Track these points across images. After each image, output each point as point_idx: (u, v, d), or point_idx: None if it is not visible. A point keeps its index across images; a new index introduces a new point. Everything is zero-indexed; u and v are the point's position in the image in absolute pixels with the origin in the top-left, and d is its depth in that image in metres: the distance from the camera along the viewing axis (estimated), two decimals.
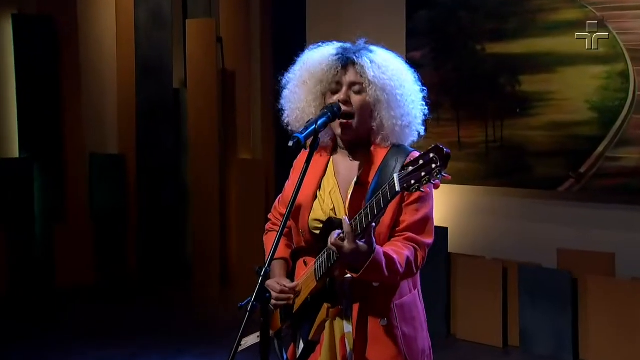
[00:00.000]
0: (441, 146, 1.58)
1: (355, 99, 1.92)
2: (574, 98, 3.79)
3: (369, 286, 1.86)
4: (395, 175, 1.65)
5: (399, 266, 1.81)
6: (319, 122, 1.86)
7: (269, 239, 2.17)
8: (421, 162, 1.61)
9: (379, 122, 1.93)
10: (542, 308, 3.80)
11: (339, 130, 1.94)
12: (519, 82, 3.98)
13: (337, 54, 1.94)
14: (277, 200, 2.24)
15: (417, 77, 2.01)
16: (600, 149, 3.72)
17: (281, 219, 2.11)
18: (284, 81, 2.07)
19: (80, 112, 5.29)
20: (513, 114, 4.01)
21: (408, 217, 1.90)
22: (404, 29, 4.46)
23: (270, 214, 2.27)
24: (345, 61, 1.92)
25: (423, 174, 1.60)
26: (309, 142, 1.90)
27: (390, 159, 1.92)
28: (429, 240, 1.91)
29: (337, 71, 1.92)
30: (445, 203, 4.28)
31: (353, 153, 2.00)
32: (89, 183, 5.37)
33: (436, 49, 4.36)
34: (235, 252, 5.37)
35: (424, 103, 1.99)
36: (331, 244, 1.74)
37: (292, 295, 1.97)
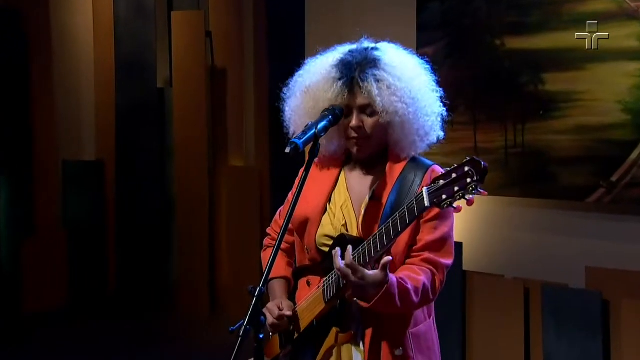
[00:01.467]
0: (478, 159, 1.61)
1: (369, 123, 1.95)
2: (604, 98, 3.77)
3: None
4: (425, 189, 1.67)
5: (413, 297, 1.83)
6: (319, 127, 1.87)
7: (268, 256, 2.16)
8: (454, 175, 1.63)
9: (395, 137, 1.95)
10: (569, 333, 3.77)
11: (355, 149, 1.97)
12: (542, 80, 3.96)
13: (340, 77, 1.94)
14: (277, 213, 2.24)
15: (431, 73, 2.02)
16: (634, 155, 3.70)
17: None
18: (284, 104, 2.09)
19: (53, 115, 5.28)
20: (536, 117, 3.99)
21: (426, 236, 1.92)
22: (414, 22, 4.45)
23: (269, 228, 2.27)
24: (351, 84, 1.93)
25: (456, 188, 1.62)
26: (308, 148, 1.91)
27: (408, 172, 1.94)
28: (448, 261, 1.92)
29: (345, 96, 1.93)
30: (459, 215, 4.23)
31: (367, 166, 2.02)
32: (62, 193, 5.36)
33: (450, 44, 4.35)
34: (226, 271, 5.36)
35: (441, 104, 2.00)
36: (337, 269, 1.74)
37: (290, 321, 1.97)
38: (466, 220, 4.33)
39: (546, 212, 4.10)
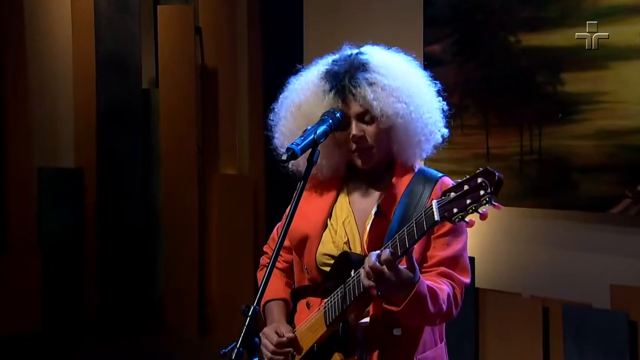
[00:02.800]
0: (491, 169, 1.61)
1: (369, 131, 1.95)
2: (630, 100, 3.76)
3: (389, 335, 1.88)
4: (434, 202, 1.67)
5: (441, 302, 1.84)
6: (318, 132, 1.87)
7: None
8: (466, 187, 1.63)
9: (400, 143, 1.95)
10: (593, 357, 3.77)
11: (358, 162, 1.97)
12: (561, 80, 3.96)
13: (330, 88, 1.95)
14: (274, 230, 2.25)
15: (421, 68, 2.03)
16: None
17: (281, 251, 2.11)
18: (272, 129, 2.10)
19: (28, 118, 5.27)
20: (554, 120, 3.98)
21: (438, 252, 1.92)
22: (420, 17, 4.45)
23: (266, 246, 2.27)
24: (343, 92, 1.94)
25: (468, 201, 1.62)
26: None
27: (416, 185, 1.95)
28: (466, 279, 1.93)
29: (339, 107, 1.94)
30: (471, 228, 4.26)
31: (371, 179, 2.02)
32: (38, 204, 5.34)
33: (460, 41, 4.35)
34: (217, 289, 5.36)
35: (440, 99, 2.02)
36: (370, 267, 1.74)
37: (291, 349, 1.97)
38: (479, 234, 4.33)
39: (566, 224, 4.09)
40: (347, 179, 2.08)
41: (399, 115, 1.93)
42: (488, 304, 4.10)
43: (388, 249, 1.74)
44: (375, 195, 2.01)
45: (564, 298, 3.91)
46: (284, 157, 1.82)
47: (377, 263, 1.73)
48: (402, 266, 1.76)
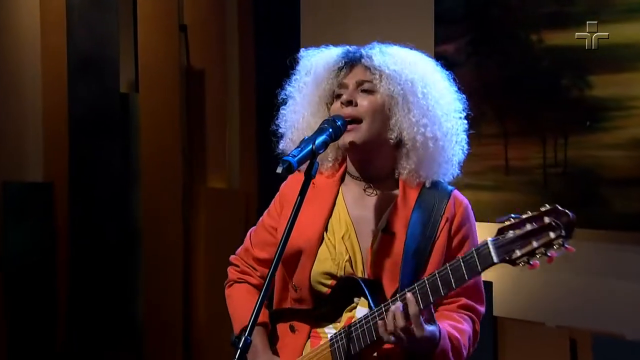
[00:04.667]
0: (563, 209, 1.66)
1: (365, 100, 1.95)
2: None
3: None
4: (490, 242, 1.69)
5: (463, 348, 1.87)
6: (316, 142, 1.87)
7: (238, 295, 2.18)
8: (529, 227, 1.66)
9: (397, 131, 1.95)
10: None
11: (346, 140, 1.97)
12: (589, 84, 3.95)
13: (344, 54, 1.99)
14: (247, 237, 2.24)
15: (454, 85, 2.04)
16: None
17: (255, 265, 2.12)
18: (281, 97, 2.14)
19: None
20: (581, 128, 3.97)
21: None
22: (431, 14, 4.46)
23: (234, 257, 2.26)
24: (352, 58, 1.97)
25: (535, 244, 1.66)
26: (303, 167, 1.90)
27: (427, 197, 1.96)
28: (483, 308, 1.98)
29: (342, 71, 1.96)
30: None
31: (371, 185, 2.02)
32: (2, 222, 5.33)
33: (475, 40, 4.35)
34: (203, 314, 5.34)
35: (465, 122, 2.03)
36: (398, 327, 1.74)
37: None
38: None
39: (596, 245, 4.07)
40: (342, 183, 2.08)
41: (403, 87, 1.96)
42: (508, 335, 4.09)
43: (414, 298, 1.75)
44: (377, 205, 2.01)
45: (594, 328, 3.90)
46: (279, 170, 1.83)
47: (404, 319, 1.75)
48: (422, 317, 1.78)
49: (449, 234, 2.01)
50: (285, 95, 2.20)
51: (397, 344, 1.81)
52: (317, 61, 2.10)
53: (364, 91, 2.00)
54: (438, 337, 1.79)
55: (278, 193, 2.23)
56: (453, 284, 1.75)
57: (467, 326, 1.90)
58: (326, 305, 1.95)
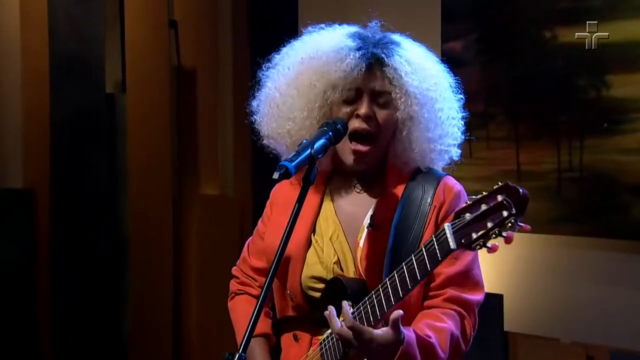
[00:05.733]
0: (512, 185, 1.62)
1: (381, 115, 1.95)
2: None
3: None
4: (448, 227, 1.68)
5: (439, 353, 1.84)
6: (315, 146, 1.87)
7: (239, 307, 2.20)
8: (484, 207, 1.64)
9: (405, 144, 1.95)
10: None
11: (350, 159, 1.96)
12: (606, 84, 3.95)
13: (359, 48, 1.97)
14: (245, 248, 2.25)
15: (452, 77, 2.05)
16: None
17: (253, 275, 2.13)
18: (264, 72, 2.13)
19: None
20: (598, 131, 3.96)
21: (445, 268, 1.95)
22: (437, 10, 4.45)
23: (235, 268, 2.28)
24: (369, 60, 1.96)
25: (490, 224, 1.63)
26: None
27: (415, 187, 1.96)
28: (478, 296, 1.96)
29: (360, 73, 1.95)
30: (498, 259, 4.23)
31: (359, 181, 2.02)
32: None
33: (484, 37, 4.35)
34: (195, 329, 5.33)
35: (462, 114, 2.04)
36: (336, 334, 1.75)
37: None
38: (507, 267, 4.30)
39: (614, 255, 4.06)
40: (329, 182, 2.08)
41: (425, 106, 1.96)
42: (520, 352, 4.08)
43: (348, 307, 1.76)
44: (367, 201, 2.02)
45: (611, 344, 3.89)
46: (276, 176, 1.83)
47: (344, 328, 1.75)
48: (382, 330, 1.77)
49: (436, 223, 2.00)
50: (274, 71, 2.19)
51: (359, 355, 1.81)
52: (328, 53, 2.04)
53: (380, 104, 1.99)
54: (399, 343, 1.77)
55: (269, 202, 2.24)
56: (418, 275, 1.74)
57: (449, 324, 1.88)
58: (320, 309, 1.96)
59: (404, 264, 1.78)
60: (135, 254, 5.42)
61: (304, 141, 1.92)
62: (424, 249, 1.74)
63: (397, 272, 1.78)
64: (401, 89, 1.96)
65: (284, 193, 2.17)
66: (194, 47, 5.43)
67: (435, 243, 1.72)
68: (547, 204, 4.13)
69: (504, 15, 4.29)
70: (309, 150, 1.89)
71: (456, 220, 1.68)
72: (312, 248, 2.03)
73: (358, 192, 2.05)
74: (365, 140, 1.98)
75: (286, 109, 2.10)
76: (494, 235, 1.63)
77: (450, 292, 1.94)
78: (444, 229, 1.70)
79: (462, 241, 1.67)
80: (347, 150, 2.00)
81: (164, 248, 5.32)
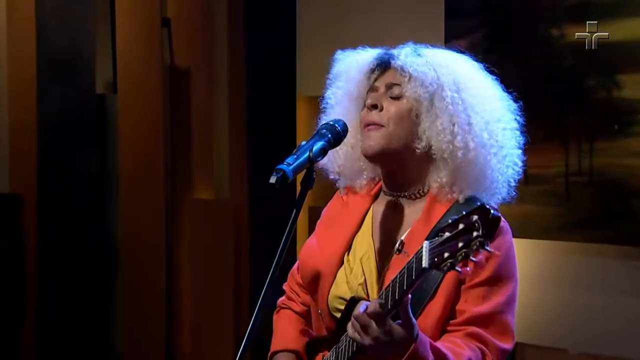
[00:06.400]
0: (487, 206, 1.60)
1: (391, 106, 1.96)
2: None
3: None
4: (425, 244, 1.66)
5: None
6: (314, 149, 1.87)
7: (278, 323, 2.25)
8: (461, 226, 1.61)
9: (425, 140, 1.95)
10: None
11: (365, 144, 1.99)
12: (617, 84, 3.94)
13: (376, 54, 2.02)
14: (295, 265, 2.28)
15: (512, 101, 2.05)
16: None
17: (298, 290, 2.17)
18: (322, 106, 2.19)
19: None
20: (609, 133, 3.96)
21: (470, 307, 1.91)
22: (441, 6, 4.45)
23: (285, 283, 2.31)
24: (384, 59, 1.99)
25: (460, 244, 1.60)
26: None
27: (455, 214, 1.94)
28: (506, 345, 1.91)
29: (374, 73, 1.99)
30: None
31: (402, 202, 2.02)
32: None
33: (490, 35, 4.35)
34: (189, 341, 5.31)
35: (517, 135, 2.03)
36: (354, 317, 1.78)
37: None
38: None
39: (625, 263, 4.06)
40: (375, 201, 2.09)
41: (428, 90, 1.99)
42: None
43: (378, 299, 1.73)
44: (405, 225, 2.01)
45: (621, 355, 3.89)
46: (273, 180, 1.82)
47: (363, 314, 1.74)
48: (397, 321, 1.75)
49: None
50: (326, 103, 2.22)
51: (363, 345, 1.79)
52: (350, 63, 2.12)
53: (393, 97, 2.01)
54: (412, 339, 1.75)
55: (321, 217, 2.27)
56: (397, 294, 1.74)
57: (468, 352, 1.85)
58: (340, 332, 1.96)
59: (390, 282, 1.76)
60: (126, 261, 5.40)
61: (302, 144, 1.91)
62: (406, 267, 1.74)
63: (385, 289, 1.78)
64: (409, 76, 1.98)
65: (331, 207, 2.21)
66: (188, 45, 5.42)
67: (414, 261, 1.71)
68: (555, 209, 4.13)
69: (512, 12, 4.29)
70: (307, 154, 1.88)
71: (435, 238, 1.66)
72: (343, 267, 2.03)
73: (398, 213, 2.05)
74: (373, 129, 2.00)
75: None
76: (460, 257, 1.61)
77: (473, 329, 1.90)
78: (421, 247, 1.68)
79: (435, 260, 1.64)
80: (364, 138, 2.03)
81: (156, 255, 5.31)
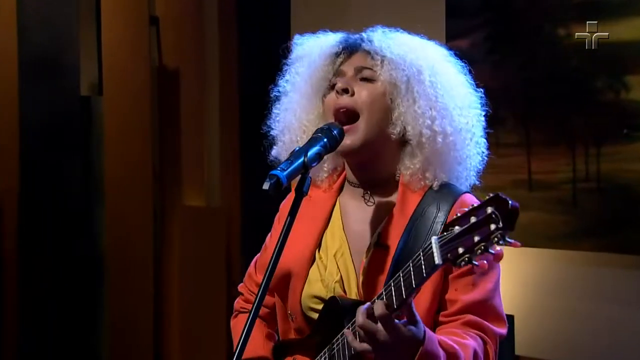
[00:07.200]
0: (503, 196, 1.60)
1: (363, 90, 1.97)
2: None
3: None
4: (435, 240, 1.65)
5: None
6: (309, 154, 1.86)
7: (239, 327, 2.17)
8: (473, 219, 1.61)
9: (400, 125, 1.95)
10: None
11: (344, 144, 1.98)
12: (626, 85, 3.94)
13: (340, 38, 2.02)
14: (252, 264, 2.27)
15: (470, 78, 2.04)
16: None
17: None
18: (273, 93, 2.17)
19: None
20: (617, 137, 3.96)
21: (461, 295, 1.93)
22: (442, 5, 4.46)
23: (241, 285, 2.30)
24: (351, 43, 2.01)
25: (477, 239, 1.60)
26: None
27: (429, 204, 1.96)
28: (500, 329, 1.96)
29: (339, 57, 2.00)
30: (509, 276, 4.23)
31: (372, 193, 2.02)
32: None
33: (493, 35, 4.35)
34: (176, 351, 5.31)
35: (482, 120, 2.03)
36: (360, 326, 1.73)
37: None
38: (518, 285, 4.29)
39: (633, 274, 4.06)
40: (341, 194, 2.08)
41: (406, 72, 1.97)
42: None
43: (382, 300, 1.73)
44: (377, 217, 2.01)
45: None
46: (266, 186, 1.82)
47: (368, 320, 1.74)
48: (402, 320, 1.73)
49: None
50: (278, 91, 2.22)
51: (373, 352, 1.78)
52: (311, 47, 2.12)
53: (364, 80, 2.01)
54: (420, 340, 1.75)
55: (278, 214, 2.25)
56: (404, 293, 1.73)
57: (472, 342, 1.87)
58: (318, 333, 1.95)
59: (392, 280, 1.76)
60: (112, 270, 5.40)
61: (296, 148, 1.91)
62: (411, 264, 1.73)
63: (384, 289, 1.77)
64: (382, 59, 1.99)
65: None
66: (177, 45, 5.42)
67: (422, 257, 1.71)
68: (561, 216, 4.13)
69: (515, 11, 4.29)
70: (302, 159, 1.88)
71: (445, 233, 1.66)
72: (315, 265, 2.03)
73: (369, 206, 2.05)
74: (346, 119, 2.00)
75: (283, 117, 2.12)
76: (479, 251, 1.61)
77: (470, 317, 1.92)
78: (430, 242, 1.68)
79: (448, 256, 1.65)
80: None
81: (144, 264, 5.31)
